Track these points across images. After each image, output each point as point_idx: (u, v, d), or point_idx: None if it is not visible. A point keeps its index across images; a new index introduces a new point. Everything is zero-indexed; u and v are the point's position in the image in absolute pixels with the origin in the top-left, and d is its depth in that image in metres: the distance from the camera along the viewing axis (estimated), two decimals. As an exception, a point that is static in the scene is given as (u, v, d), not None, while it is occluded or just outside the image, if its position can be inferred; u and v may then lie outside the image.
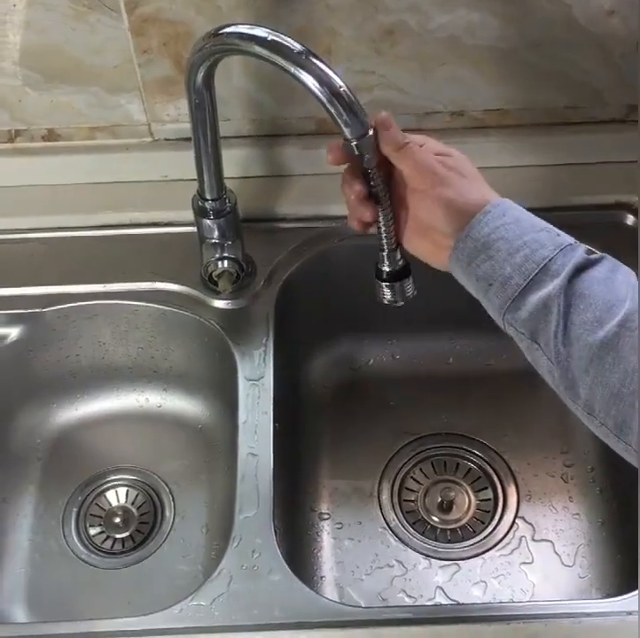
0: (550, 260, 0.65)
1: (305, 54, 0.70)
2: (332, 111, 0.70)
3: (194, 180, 0.91)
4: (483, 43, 0.94)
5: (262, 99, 1.00)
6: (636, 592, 0.80)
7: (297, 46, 0.71)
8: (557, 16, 0.92)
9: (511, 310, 0.66)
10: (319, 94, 0.70)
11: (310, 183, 1.04)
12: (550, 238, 0.67)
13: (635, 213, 1.02)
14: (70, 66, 0.96)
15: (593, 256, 0.66)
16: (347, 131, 0.70)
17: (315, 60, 0.70)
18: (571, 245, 0.66)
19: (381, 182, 0.72)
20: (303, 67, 0.70)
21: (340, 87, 0.69)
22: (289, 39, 0.71)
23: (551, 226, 0.69)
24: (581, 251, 0.66)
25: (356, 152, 0.70)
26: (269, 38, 0.71)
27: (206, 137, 0.86)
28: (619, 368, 0.61)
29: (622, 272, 0.65)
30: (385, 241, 0.75)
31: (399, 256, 0.76)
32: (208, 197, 0.91)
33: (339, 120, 0.70)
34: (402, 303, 0.79)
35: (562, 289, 0.64)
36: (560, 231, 0.68)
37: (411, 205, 0.72)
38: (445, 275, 0.87)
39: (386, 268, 0.77)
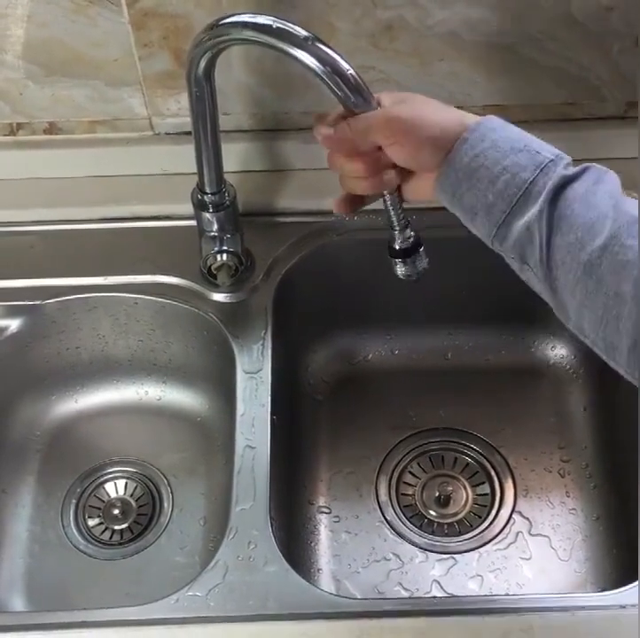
0: (530, 183, 0.65)
1: (311, 39, 0.71)
2: (341, 94, 0.71)
3: (194, 174, 0.91)
4: (482, 39, 0.95)
5: (263, 93, 1.00)
6: (631, 585, 0.80)
7: (302, 32, 0.72)
8: (555, 12, 0.92)
9: (498, 237, 0.67)
10: (327, 78, 0.71)
11: (310, 178, 1.04)
12: (529, 158, 0.66)
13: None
14: (71, 60, 0.96)
15: (573, 170, 0.65)
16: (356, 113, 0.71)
17: (321, 45, 0.71)
18: (552, 160, 0.66)
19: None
20: (310, 53, 0.71)
21: (348, 70, 0.71)
22: (293, 25, 0.72)
23: (532, 140, 0.67)
24: (561, 167, 0.65)
25: None
26: (274, 25, 0.72)
27: (206, 131, 0.87)
28: (601, 292, 0.61)
29: (605, 182, 0.65)
30: (394, 219, 0.77)
31: (409, 233, 0.78)
32: (208, 190, 0.92)
33: (347, 103, 0.71)
34: (417, 277, 0.81)
35: (542, 212, 0.64)
36: (542, 146, 0.67)
37: (394, 157, 0.71)
38: (444, 271, 0.88)
39: (398, 246, 0.79)
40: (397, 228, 0.78)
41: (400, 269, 0.80)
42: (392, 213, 0.77)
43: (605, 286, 0.61)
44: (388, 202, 0.76)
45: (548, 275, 0.65)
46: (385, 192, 0.75)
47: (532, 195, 0.65)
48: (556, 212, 0.64)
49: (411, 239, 0.79)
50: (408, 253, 0.79)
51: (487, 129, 0.68)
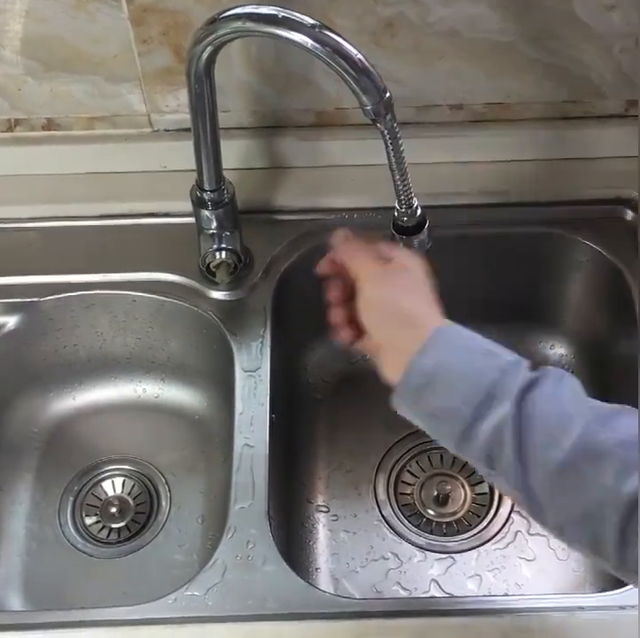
0: (495, 385, 0.64)
1: (318, 27, 0.72)
2: (350, 79, 0.72)
3: (193, 171, 0.91)
4: (483, 37, 0.94)
5: (262, 91, 1.00)
6: (630, 586, 0.80)
7: (309, 20, 0.72)
8: (557, 10, 0.92)
9: (465, 441, 0.66)
10: (336, 64, 0.72)
11: (309, 175, 1.04)
12: (492, 361, 0.66)
13: (634, 208, 1.01)
14: (70, 56, 0.96)
15: (535, 374, 0.65)
16: (365, 98, 0.72)
17: (328, 32, 0.72)
18: (514, 363, 0.66)
19: (398, 143, 0.75)
20: (318, 40, 0.72)
21: (356, 54, 0.72)
22: (299, 14, 0.73)
23: (493, 345, 0.67)
24: (523, 369, 0.65)
25: (373, 116, 0.73)
26: (280, 15, 0.73)
27: (205, 128, 0.86)
28: (581, 488, 0.60)
29: (566, 383, 0.65)
30: (402, 196, 0.78)
31: (415, 211, 0.79)
32: (207, 188, 0.91)
33: (356, 87, 0.72)
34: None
35: (510, 413, 0.63)
36: (502, 349, 0.67)
37: (358, 308, 0.73)
38: (443, 270, 0.88)
39: (401, 223, 0.80)
40: (404, 204, 0.79)
41: (402, 246, 0.81)
42: (400, 186, 0.77)
43: (587, 479, 0.60)
44: (397, 176, 0.77)
45: (522, 477, 0.63)
46: (394, 164, 0.76)
47: (496, 397, 0.64)
48: (524, 412, 0.63)
49: (418, 217, 0.80)
50: (411, 231, 0.81)
51: (448, 335, 0.68)
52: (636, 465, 0.58)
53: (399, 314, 0.70)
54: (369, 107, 0.73)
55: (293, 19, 0.72)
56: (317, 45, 0.72)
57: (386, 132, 0.74)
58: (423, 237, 0.82)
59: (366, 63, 0.72)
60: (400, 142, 0.75)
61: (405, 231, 0.81)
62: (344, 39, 0.72)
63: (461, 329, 0.69)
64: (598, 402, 0.64)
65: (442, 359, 0.67)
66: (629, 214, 1.01)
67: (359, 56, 0.72)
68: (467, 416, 0.65)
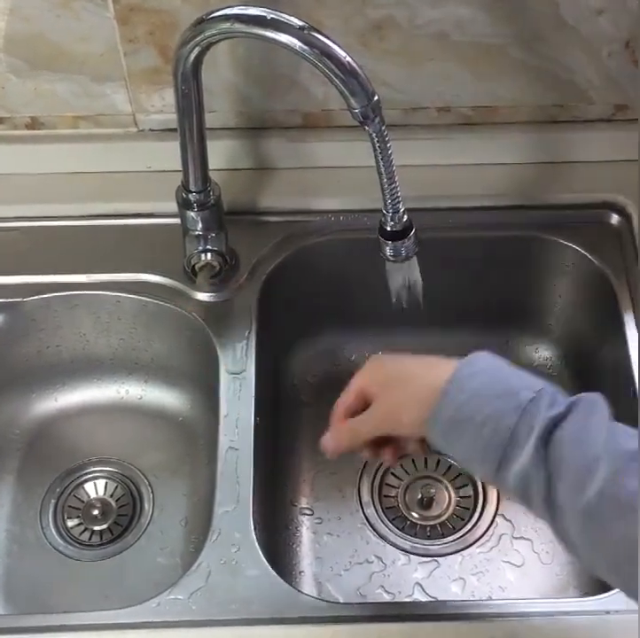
0: (514, 429, 0.64)
1: (307, 29, 0.72)
2: (338, 81, 0.72)
3: (179, 171, 0.91)
4: (471, 40, 0.94)
5: (249, 92, 0.99)
6: (616, 591, 0.80)
7: (297, 22, 0.72)
8: (545, 14, 0.92)
9: (499, 482, 0.66)
10: (324, 66, 0.72)
11: (295, 177, 1.03)
12: (509, 403, 0.65)
13: (620, 212, 1.02)
14: (54, 54, 0.95)
15: (560, 409, 0.64)
16: (353, 100, 0.72)
17: (316, 34, 0.72)
18: (533, 400, 0.65)
19: (386, 147, 0.75)
20: (307, 42, 0.72)
21: (345, 57, 0.72)
22: (287, 15, 0.72)
23: (512, 380, 0.67)
24: (544, 405, 0.64)
25: (361, 119, 0.73)
26: (268, 17, 0.73)
27: (191, 128, 0.86)
28: (608, 538, 0.60)
29: (595, 414, 0.64)
30: (389, 201, 0.78)
31: (402, 216, 0.79)
32: (193, 188, 0.91)
33: (344, 90, 0.72)
34: (403, 261, 0.82)
35: (535, 459, 0.63)
36: (523, 383, 0.66)
37: (383, 397, 0.74)
38: (430, 273, 0.88)
39: (388, 228, 0.80)
40: (390, 209, 0.79)
41: (388, 251, 0.82)
42: (388, 192, 0.77)
43: (611, 532, 0.60)
44: (385, 181, 0.76)
45: (553, 519, 0.64)
46: (382, 170, 0.76)
47: (519, 442, 0.64)
48: (549, 457, 0.63)
49: (404, 222, 0.80)
50: (398, 236, 0.80)
51: (465, 378, 0.67)
52: None
53: (410, 373, 0.71)
54: (357, 110, 0.73)
55: (282, 21, 0.72)
56: (305, 47, 0.72)
57: (374, 135, 0.74)
58: (409, 243, 0.81)
59: (355, 65, 0.72)
60: (388, 145, 0.75)
61: (391, 236, 0.81)
62: (332, 41, 0.72)
63: (482, 363, 0.69)
64: (627, 435, 0.63)
65: (463, 403, 0.66)
66: (615, 219, 1.02)
67: (347, 58, 0.72)
68: (494, 461, 0.65)
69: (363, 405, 0.75)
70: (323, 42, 0.72)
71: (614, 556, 0.60)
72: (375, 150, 0.75)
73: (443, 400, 0.67)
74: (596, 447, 0.62)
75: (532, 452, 0.63)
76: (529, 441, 0.63)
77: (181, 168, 0.90)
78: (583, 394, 0.65)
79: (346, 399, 0.77)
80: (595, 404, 0.65)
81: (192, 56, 0.79)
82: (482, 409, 0.66)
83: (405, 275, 0.85)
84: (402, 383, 0.72)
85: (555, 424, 0.63)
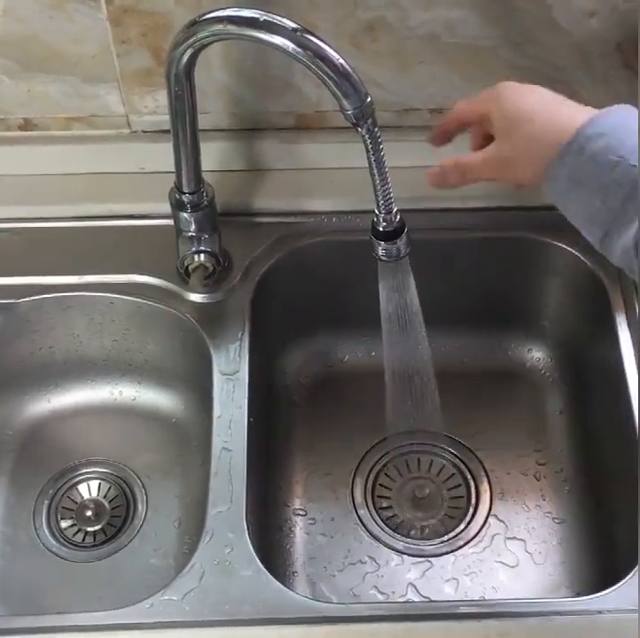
0: (623, 202, 0.64)
1: (300, 31, 0.72)
2: (331, 83, 0.72)
3: (172, 172, 0.91)
4: (463, 41, 0.94)
5: (242, 93, 0.99)
6: (608, 590, 0.80)
7: (290, 24, 0.72)
8: (537, 16, 0.92)
9: (604, 250, 0.67)
10: (317, 68, 0.72)
11: (288, 178, 1.03)
12: (624, 173, 0.64)
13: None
14: (47, 56, 0.95)
15: None
16: (346, 102, 0.72)
17: (309, 36, 0.72)
18: None
19: (378, 148, 0.75)
20: (300, 44, 0.71)
21: (338, 59, 0.72)
22: (280, 18, 0.72)
23: (633, 146, 0.65)
24: None
25: (354, 121, 0.73)
26: (261, 19, 0.72)
27: (184, 129, 0.86)
28: None
29: None
30: (382, 202, 0.78)
31: (394, 216, 0.79)
32: (186, 190, 0.91)
33: (337, 92, 0.72)
34: (395, 260, 0.82)
35: (638, 238, 0.63)
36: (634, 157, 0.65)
37: (504, 140, 0.73)
38: (421, 274, 0.88)
39: (380, 228, 0.80)
40: (383, 210, 0.79)
41: (381, 251, 0.82)
42: (380, 192, 0.77)
43: None
44: (378, 181, 0.77)
45: None
46: (376, 172, 0.76)
47: (628, 215, 0.64)
48: None
49: (397, 222, 0.80)
50: (391, 236, 0.81)
51: (588, 139, 0.67)
52: None
53: (538, 114, 0.70)
54: (350, 111, 0.73)
55: (275, 23, 0.72)
56: (299, 49, 0.72)
57: (366, 136, 0.74)
58: (401, 244, 0.82)
59: (347, 67, 0.72)
60: (381, 147, 0.75)
61: (384, 237, 0.81)
62: (325, 43, 0.72)
63: (599, 131, 0.67)
64: None
65: (579, 167, 0.66)
66: (607, 220, 1.02)
67: (340, 60, 0.72)
68: (601, 231, 0.65)
69: (481, 131, 0.76)
70: (316, 43, 0.72)
71: None
72: (368, 151, 0.75)
73: (561, 163, 0.67)
74: None
75: (636, 232, 0.63)
76: (635, 220, 0.63)
77: (174, 170, 0.90)
78: None
79: (465, 113, 0.77)
80: None
81: (185, 57, 0.79)
82: (598, 178, 0.65)
83: (397, 276, 0.85)
84: (528, 124, 0.70)
85: None
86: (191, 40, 0.77)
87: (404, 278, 0.85)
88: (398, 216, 0.81)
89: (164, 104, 0.86)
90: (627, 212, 0.64)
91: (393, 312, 0.88)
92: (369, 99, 0.73)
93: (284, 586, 0.83)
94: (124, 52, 0.95)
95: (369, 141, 0.74)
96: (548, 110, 0.71)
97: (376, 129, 0.74)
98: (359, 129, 0.74)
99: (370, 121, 0.73)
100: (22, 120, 1.01)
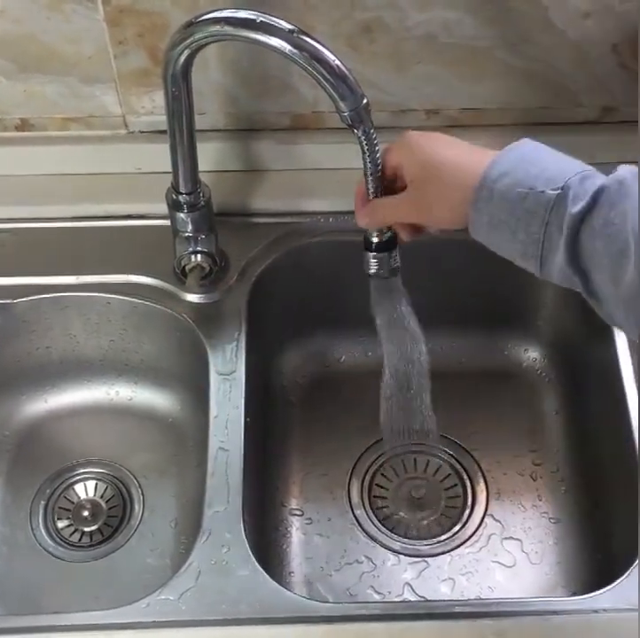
0: (546, 227, 0.65)
1: (296, 32, 0.72)
2: (327, 85, 0.72)
3: (168, 173, 0.91)
4: (460, 42, 0.95)
5: (238, 93, 1.00)
6: (604, 589, 0.81)
7: (286, 25, 0.72)
8: (533, 17, 0.93)
9: (545, 276, 0.67)
10: (313, 70, 0.72)
11: (285, 179, 1.03)
12: (536, 202, 0.65)
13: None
14: (44, 56, 0.95)
15: (583, 202, 0.63)
16: (342, 104, 0.72)
17: (306, 37, 0.72)
18: (559, 194, 0.65)
19: (375, 154, 0.75)
20: (296, 45, 0.71)
21: (334, 60, 0.72)
22: (277, 19, 0.72)
23: (539, 173, 0.66)
24: (570, 200, 0.64)
25: (350, 122, 0.73)
26: (258, 20, 0.72)
27: (181, 130, 0.86)
28: None
29: (621, 202, 0.63)
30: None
31: (386, 228, 0.79)
32: (182, 190, 0.91)
33: (333, 93, 0.72)
34: (388, 275, 0.81)
35: (568, 259, 0.64)
36: (550, 176, 0.66)
37: (416, 188, 0.74)
38: (418, 275, 0.88)
39: (374, 240, 0.80)
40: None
41: (372, 265, 0.81)
42: (373, 195, 0.77)
43: None
44: (371, 191, 0.76)
45: (599, 308, 0.65)
46: (370, 180, 0.76)
47: (553, 237, 0.65)
48: (581, 252, 0.64)
49: (388, 234, 0.80)
50: (383, 248, 0.80)
51: (493, 182, 0.68)
52: None
53: (446, 165, 0.71)
54: (346, 113, 0.73)
55: (271, 24, 0.72)
56: (295, 50, 0.72)
57: (363, 138, 0.74)
58: (395, 254, 0.81)
59: (344, 69, 0.72)
60: (376, 148, 0.75)
61: (377, 248, 0.80)
62: (322, 44, 0.72)
63: (503, 170, 0.68)
64: None
65: (494, 209, 0.67)
66: (603, 220, 1.02)
67: (337, 62, 0.72)
68: (535, 259, 0.66)
69: (395, 178, 0.76)
70: (312, 45, 0.72)
71: None
72: (363, 152, 0.75)
73: (476, 211, 0.68)
74: (622, 236, 0.62)
75: (564, 253, 0.64)
76: (560, 241, 0.64)
77: (171, 170, 0.90)
78: (610, 179, 0.64)
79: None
80: (619, 189, 0.64)
81: (182, 58, 0.79)
82: (514, 213, 0.66)
83: (390, 293, 0.84)
84: (438, 175, 0.71)
85: (580, 220, 0.64)
86: (187, 41, 0.77)
87: (398, 300, 0.85)
88: (389, 230, 0.80)
89: (161, 104, 0.86)
90: (550, 236, 0.65)
91: (389, 336, 0.87)
92: (365, 101, 0.73)
93: (281, 585, 0.83)
94: (121, 53, 0.95)
95: (365, 142, 0.74)
96: (455, 157, 0.72)
97: (372, 131, 0.74)
98: (355, 131, 0.74)
99: (366, 123, 0.73)
100: (19, 121, 1.01)
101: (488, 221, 0.68)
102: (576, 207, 0.64)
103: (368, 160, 0.75)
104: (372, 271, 0.82)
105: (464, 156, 0.72)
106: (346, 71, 0.72)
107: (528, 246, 0.66)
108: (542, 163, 0.68)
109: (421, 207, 0.74)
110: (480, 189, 0.68)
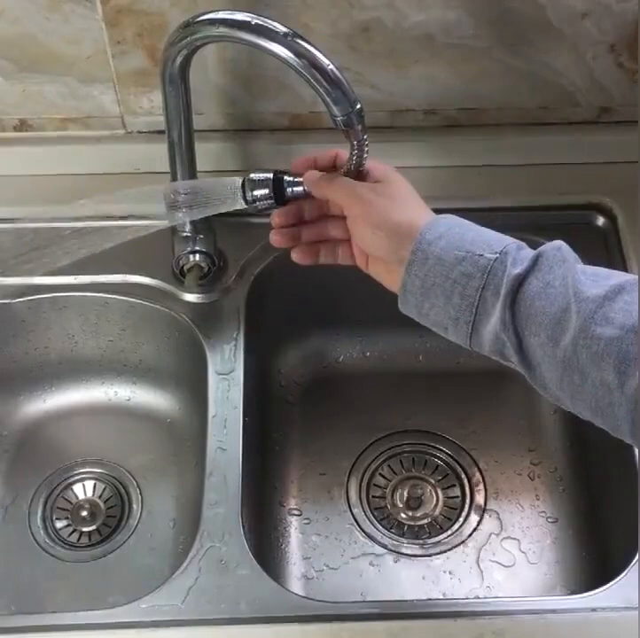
0: (482, 290, 0.65)
1: (291, 35, 0.71)
2: (321, 89, 0.72)
3: (167, 173, 0.91)
4: (458, 42, 0.95)
5: (237, 93, 1.00)
6: (602, 588, 0.81)
7: (281, 28, 0.72)
8: (531, 17, 0.93)
9: (474, 345, 0.67)
10: (307, 73, 0.71)
11: (283, 179, 1.03)
12: (474, 265, 0.66)
13: (605, 214, 1.02)
14: (43, 56, 0.95)
15: (524, 265, 0.64)
16: (335, 108, 0.72)
17: (300, 41, 0.71)
18: (497, 259, 0.65)
19: (361, 159, 0.75)
20: (291, 49, 0.71)
21: (328, 65, 0.71)
22: (272, 21, 0.72)
23: (476, 240, 0.67)
24: (509, 264, 0.65)
25: (343, 127, 0.73)
26: (253, 22, 0.72)
27: (179, 131, 0.86)
28: (587, 384, 0.61)
29: (559, 266, 0.64)
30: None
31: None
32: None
33: (327, 98, 0.72)
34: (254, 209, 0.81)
35: (505, 318, 0.64)
36: (486, 243, 0.67)
37: (351, 232, 0.75)
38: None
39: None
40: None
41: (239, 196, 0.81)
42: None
43: (590, 378, 0.61)
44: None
45: (532, 374, 0.65)
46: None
47: (488, 302, 0.65)
48: (518, 314, 0.64)
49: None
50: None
51: (429, 244, 0.68)
52: (633, 359, 0.58)
53: (388, 227, 0.71)
54: (338, 118, 0.72)
55: (266, 27, 0.72)
56: (290, 54, 0.71)
57: (354, 143, 0.73)
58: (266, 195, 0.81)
59: (338, 74, 0.71)
60: (365, 152, 0.74)
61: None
62: (316, 49, 0.71)
63: (444, 226, 0.68)
64: (594, 276, 0.63)
65: (429, 271, 0.67)
66: (601, 220, 1.02)
67: (331, 66, 0.71)
68: (467, 324, 0.66)
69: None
70: (306, 49, 0.71)
71: (595, 402, 0.61)
72: (351, 155, 0.75)
73: (411, 270, 0.68)
74: (562, 298, 0.62)
75: (500, 315, 0.64)
76: (498, 301, 0.64)
77: (169, 170, 0.90)
78: (547, 246, 0.66)
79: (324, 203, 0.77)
80: (557, 253, 0.65)
81: (180, 58, 0.79)
82: (449, 275, 0.66)
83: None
84: (380, 238, 0.71)
85: (520, 282, 0.64)
86: (185, 41, 0.77)
87: None
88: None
89: (159, 104, 0.86)
90: (485, 300, 0.65)
91: None
92: (358, 106, 0.72)
93: (280, 585, 0.83)
94: (119, 53, 0.95)
95: (355, 147, 0.74)
96: (396, 213, 0.72)
97: (364, 137, 0.73)
98: (348, 136, 0.73)
99: (359, 127, 0.73)
100: (17, 121, 1.02)
101: (422, 284, 0.68)
102: (516, 270, 0.64)
103: (353, 162, 0.75)
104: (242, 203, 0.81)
105: (402, 211, 0.72)
106: (340, 76, 0.71)
107: (461, 312, 0.66)
108: (477, 230, 0.69)
109: (369, 219, 0.72)
110: (415, 252, 0.68)
